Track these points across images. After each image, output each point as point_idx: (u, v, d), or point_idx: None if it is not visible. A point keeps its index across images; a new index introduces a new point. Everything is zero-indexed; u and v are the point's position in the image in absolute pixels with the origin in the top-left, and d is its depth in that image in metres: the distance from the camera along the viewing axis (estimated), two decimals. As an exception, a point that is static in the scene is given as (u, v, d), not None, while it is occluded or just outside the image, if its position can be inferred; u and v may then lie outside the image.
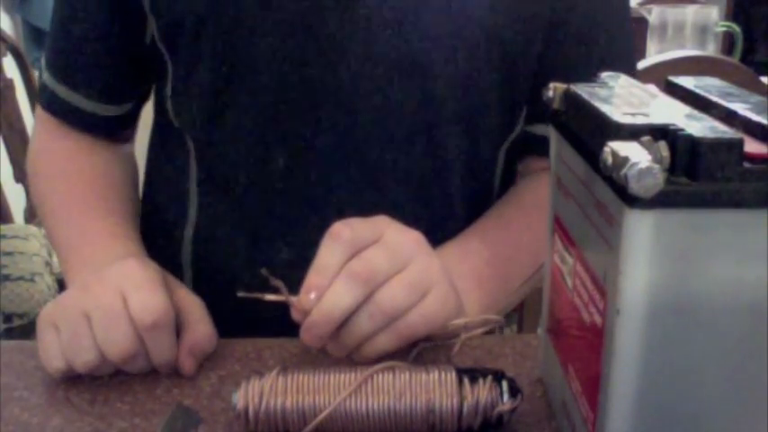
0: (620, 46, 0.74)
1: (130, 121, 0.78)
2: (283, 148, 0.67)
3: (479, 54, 0.67)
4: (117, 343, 0.52)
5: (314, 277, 0.52)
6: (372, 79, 0.65)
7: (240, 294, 0.54)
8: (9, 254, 1.40)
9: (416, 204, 0.69)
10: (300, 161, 0.67)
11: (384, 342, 0.53)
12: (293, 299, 0.52)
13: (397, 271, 0.53)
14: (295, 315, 0.53)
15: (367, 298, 0.52)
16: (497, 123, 0.72)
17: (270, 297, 0.54)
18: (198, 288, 0.74)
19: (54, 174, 0.75)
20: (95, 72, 0.73)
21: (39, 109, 0.77)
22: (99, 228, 0.68)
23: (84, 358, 0.52)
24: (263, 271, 0.52)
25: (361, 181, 0.68)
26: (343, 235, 0.53)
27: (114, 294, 0.53)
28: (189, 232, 0.74)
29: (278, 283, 0.53)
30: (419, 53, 0.65)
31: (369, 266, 0.52)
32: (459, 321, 0.56)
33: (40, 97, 0.76)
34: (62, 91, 0.73)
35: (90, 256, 0.65)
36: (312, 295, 0.51)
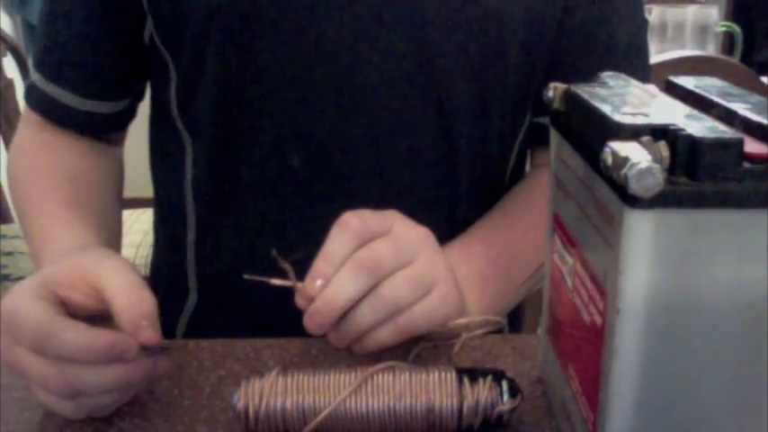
0: (632, 35, 0.74)
1: (125, 119, 0.77)
2: (297, 148, 0.67)
3: (492, 46, 0.67)
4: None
5: (321, 264, 0.52)
6: (385, 75, 0.65)
7: (246, 277, 0.54)
8: (9, 254, 1.40)
9: (429, 202, 0.69)
10: (314, 160, 0.67)
11: (384, 335, 0.53)
12: (299, 284, 0.52)
13: (403, 265, 0.54)
14: (299, 301, 0.53)
15: (371, 289, 0.52)
16: (511, 116, 0.72)
17: (276, 281, 0.54)
18: (203, 294, 0.74)
19: (25, 172, 0.73)
20: (85, 68, 0.71)
21: (25, 110, 0.76)
22: (49, 227, 0.65)
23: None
24: (273, 252, 0.52)
25: (374, 180, 0.68)
26: (352, 224, 0.53)
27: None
28: (191, 237, 0.73)
29: (287, 266, 0.53)
30: (431, 47, 0.65)
31: (375, 257, 0.52)
32: (461, 321, 0.56)
33: (28, 97, 0.75)
34: (53, 90, 0.72)
35: (50, 253, 0.62)
36: (318, 282, 0.52)
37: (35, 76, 0.73)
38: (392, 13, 0.64)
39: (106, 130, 0.77)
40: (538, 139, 0.77)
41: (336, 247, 0.53)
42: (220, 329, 0.69)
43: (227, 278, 0.72)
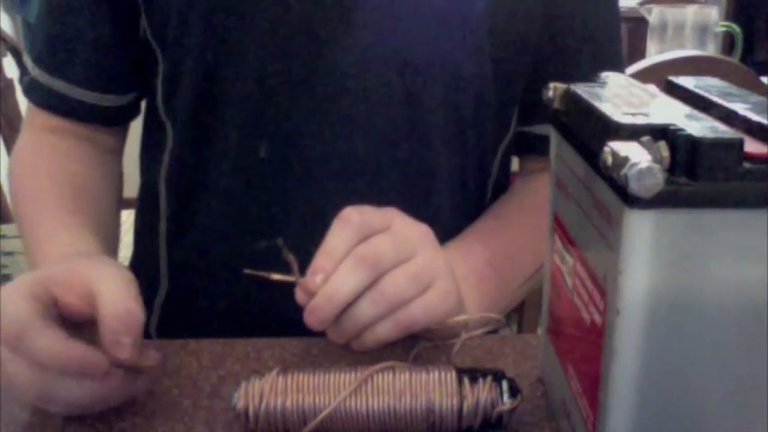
0: (610, 46, 0.75)
1: (129, 114, 0.77)
2: (266, 140, 0.67)
3: (471, 54, 0.67)
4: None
5: (321, 259, 0.52)
6: (359, 75, 0.65)
7: (247, 272, 0.54)
8: (9, 254, 1.40)
9: (401, 203, 0.69)
10: (283, 154, 0.67)
11: (383, 331, 0.54)
12: (300, 279, 0.52)
13: (403, 261, 0.54)
14: (299, 296, 0.53)
15: (371, 285, 0.52)
16: (490, 125, 0.72)
17: (276, 276, 0.54)
18: (173, 283, 0.75)
19: (27, 177, 0.73)
20: (90, 61, 0.72)
21: (27, 113, 0.76)
22: (50, 231, 0.65)
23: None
24: (279, 242, 0.52)
25: (344, 176, 0.68)
26: (352, 220, 0.53)
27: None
28: (163, 226, 0.74)
29: (291, 258, 0.53)
30: (409, 51, 0.66)
31: (375, 252, 0.53)
32: (461, 319, 0.57)
33: (31, 95, 0.75)
34: (57, 84, 0.72)
35: (55, 256, 0.62)
36: (318, 277, 0.52)
37: (36, 71, 0.73)
38: (372, 15, 0.64)
39: (110, 123, 0.77)
40: (526, 148, 0.77)
41: (337, 242, 0.53)
42: (190, 320, 0.70)
43: (196, 267, 0.72)
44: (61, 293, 0.49)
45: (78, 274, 0.50)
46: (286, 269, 0.54)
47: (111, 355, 0.46)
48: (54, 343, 0.46)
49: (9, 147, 1.69)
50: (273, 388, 0.47)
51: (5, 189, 1.68)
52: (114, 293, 0.48)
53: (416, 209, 0.67)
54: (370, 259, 0.52)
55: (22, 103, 1.80)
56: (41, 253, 0.64)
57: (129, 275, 0.50)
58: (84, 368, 0.46)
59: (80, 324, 0.49)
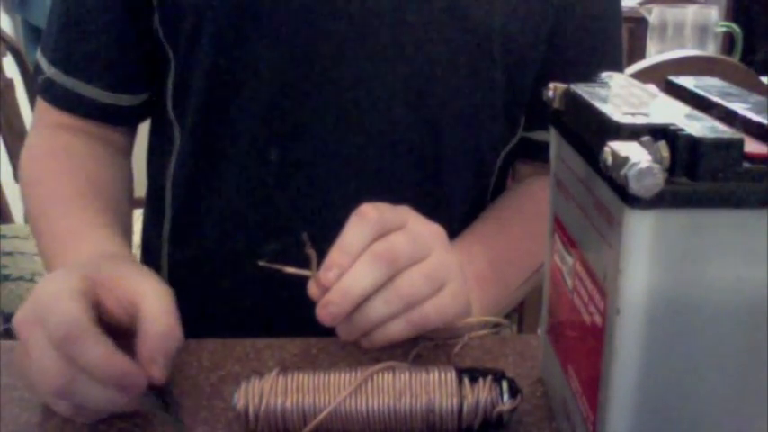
0: (614, 50, 0.75)
1: (143, 113, 0.77)
2: (277, 144, 0.67)
3: (483, 58, 0.67)
4: (45, 370, 0.46)
5: (337, 255, 0.52)
6: (371, 80, 0.65)
7: (261, 263, 0.54)
8: (9, 254, 1.40)
9: (412, 205, 0.69)
10: (293, 157, 0.67)
11: (396, 329, 0.53)
12: (315, 273, 0.52)
13: (418, 260, 0.54)
14: (312, 290, 0.53)
15: (386, 282, 0.52)
16: (499, 128, 0.72)
17: (290, 269, 0.54)
18: (174, 283, 0.75)
19: (45, 174, 0.73)
20: (107, 61, 0.71)
21: (40, 105, 0.76)
22: (79, 228, 0.65)
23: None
24: (304, 236, 0.52)
25: (354, 181, 0.68)
26: (370, 216, 0.53)
27: (35, 316, 0.48)
28: (166, 229, 0.74)
29: (312, 252, 0.52)
30: (421, 57, 0.65)
31: (392, 250, 0.52)
32: (471, 320, 0.57)
33: (46, 95, 0.74)
34: (73, 84, 0.72)
35: (72, 255, 0.62)
36: (333, 272, 0.52)
37: (51, 71, 0.73)
38: (383, 20, 0.65)
39: (124, 122, 0.76)
40: (523, 152, 0.77)
41: (353, 238, 0.53)
42: (190, 320, 0.70)
43: (198, 268, 0.72)
44: (103, 295, 0.49)
45: (124, 281, 0.50)
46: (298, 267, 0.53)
47: (144, 369, 0.46)
48: (103, 352, 0.45)
49: (9, 146, 1.69)
50: (273, 388, 0.47)
51: (5, 189, 1.68)
52: (158, 310, 0.48)
53: (427, 211, 0.68)
54: (387, 257, 0.52)
55: (23, 103, 1.79)
56: (65, 250, 0.63)
57: (170, 291, 0.51)
58: (124, 381, 0.45)
59: (109, 328, 0.49)
